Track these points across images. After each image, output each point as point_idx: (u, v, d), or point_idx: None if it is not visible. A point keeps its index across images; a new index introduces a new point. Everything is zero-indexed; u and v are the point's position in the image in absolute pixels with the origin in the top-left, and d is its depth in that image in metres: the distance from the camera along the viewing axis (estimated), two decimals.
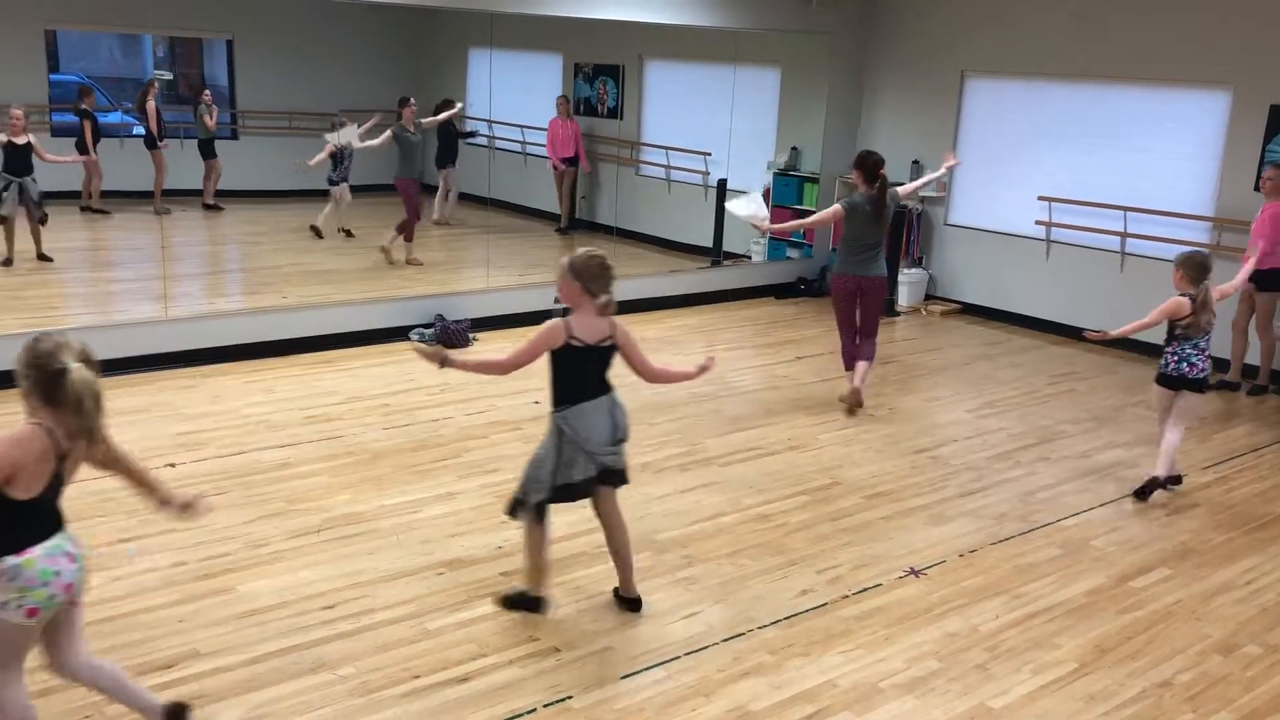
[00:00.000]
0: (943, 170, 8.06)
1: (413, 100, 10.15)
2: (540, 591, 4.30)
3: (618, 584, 4.44)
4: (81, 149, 9.78)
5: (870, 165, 7.00)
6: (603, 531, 4.36)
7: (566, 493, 4.15)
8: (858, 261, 7.04)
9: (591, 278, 4.05)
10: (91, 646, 3.93)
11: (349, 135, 10.32)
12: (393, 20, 11.70)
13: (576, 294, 4.08)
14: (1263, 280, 7.49)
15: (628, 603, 4.40)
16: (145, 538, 4.83)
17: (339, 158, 10.60)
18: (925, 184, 8.29)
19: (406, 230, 10.15)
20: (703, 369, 4.31)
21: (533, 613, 4.28)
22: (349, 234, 11.03)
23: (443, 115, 10.56)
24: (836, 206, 7.12)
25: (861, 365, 7.14)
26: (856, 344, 7.19)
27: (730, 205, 7.68)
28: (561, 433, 4.09)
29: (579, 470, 4.09)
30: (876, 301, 7.22)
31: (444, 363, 4.04)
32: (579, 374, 4.09)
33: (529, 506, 4.16)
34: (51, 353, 3.04)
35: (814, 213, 8.96)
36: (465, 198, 11.97)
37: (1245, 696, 4.03)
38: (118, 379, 7.04)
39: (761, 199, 7.78)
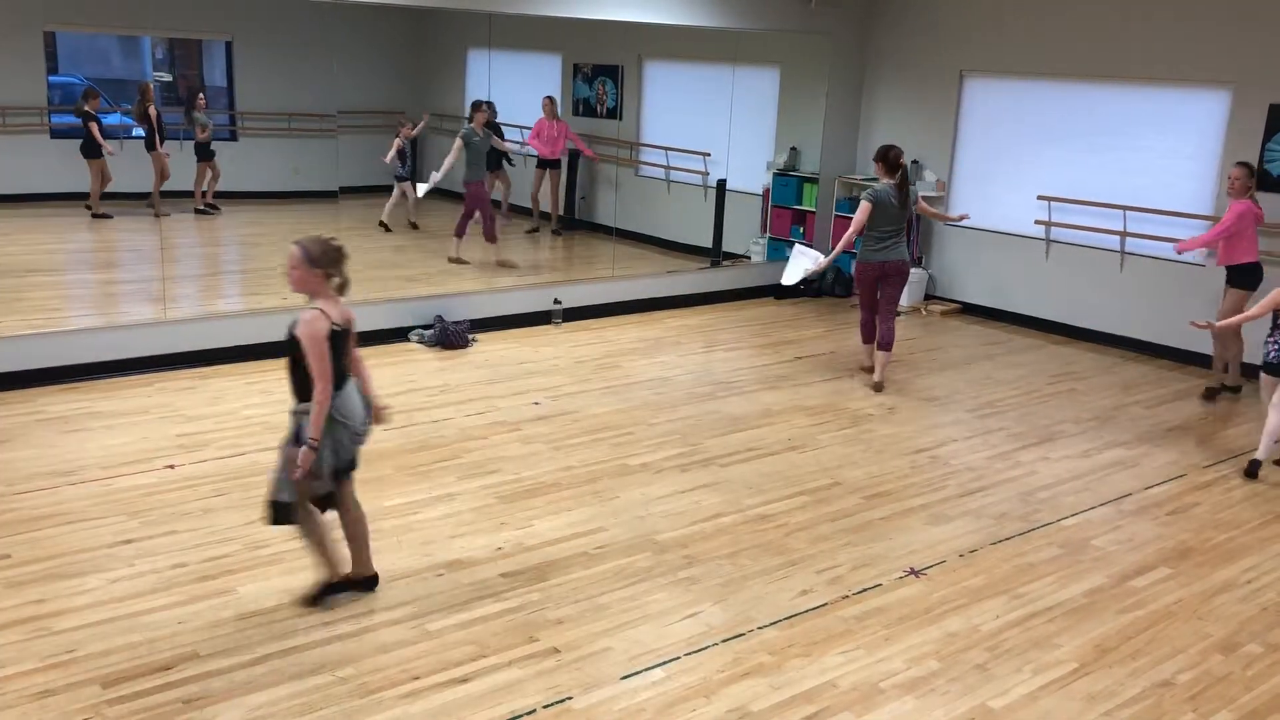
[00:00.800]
0: (954, 217, 8.50)
1: (485, 105, 10.24)
2: (342, 576, 4.38)
3: (351, 570, 4.44)
4: (89, 152, 9.76)
5: (892, 158, 7.56)
6: (342, 521, 4.41)
7: (339, 476, 4.26)
8: (883, 248, 7.56)
9: (331, 262, 4.17)
10: (91, 648, 3.95)
11: (434, 177, 10.32)
12: (392, 21, 11.70)
13: (317, 280, 4.16)
14: (1232, 277, 7.62)
15: (365, 581, 4.46)
16: (145, 539, 4.83)
17: (405, 154, 10.86)
18: (938, 216, 8.55)
19: (488, 232, 10.24)
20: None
21: (366, 591, 4.39)
22: (415, 227, 11.28)
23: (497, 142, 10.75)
24: (865, 202, 7.51)
25: (881, 356, 7.70)
26: (874, 323, 7.81)
27: (788, 278, 8.18)
28: (333, 420, 4.12)
29: (346, 451, 4.24)
30: (899, 284, 7.70)
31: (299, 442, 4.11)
32: (337, 358, 4.14)
33: (292, 508, 4.17)
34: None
35: (812, 213, 9.21)
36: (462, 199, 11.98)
37: (1246, 696, 4.03)
38: (117, 380, 7.05)
39: (807, 251, 8.25)
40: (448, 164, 10.14)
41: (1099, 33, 9.06)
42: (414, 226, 11.35)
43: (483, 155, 10.20)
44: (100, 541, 4.80)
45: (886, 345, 7.65)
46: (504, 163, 11.54)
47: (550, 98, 11.48)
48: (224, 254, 11.10)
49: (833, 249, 8.09)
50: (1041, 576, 4.91)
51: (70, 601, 4.28)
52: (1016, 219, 9.78)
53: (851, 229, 7.57)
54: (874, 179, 7.75)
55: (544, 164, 11.55)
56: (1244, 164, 7.61)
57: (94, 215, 10.27)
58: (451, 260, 10.23)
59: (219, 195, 11.14)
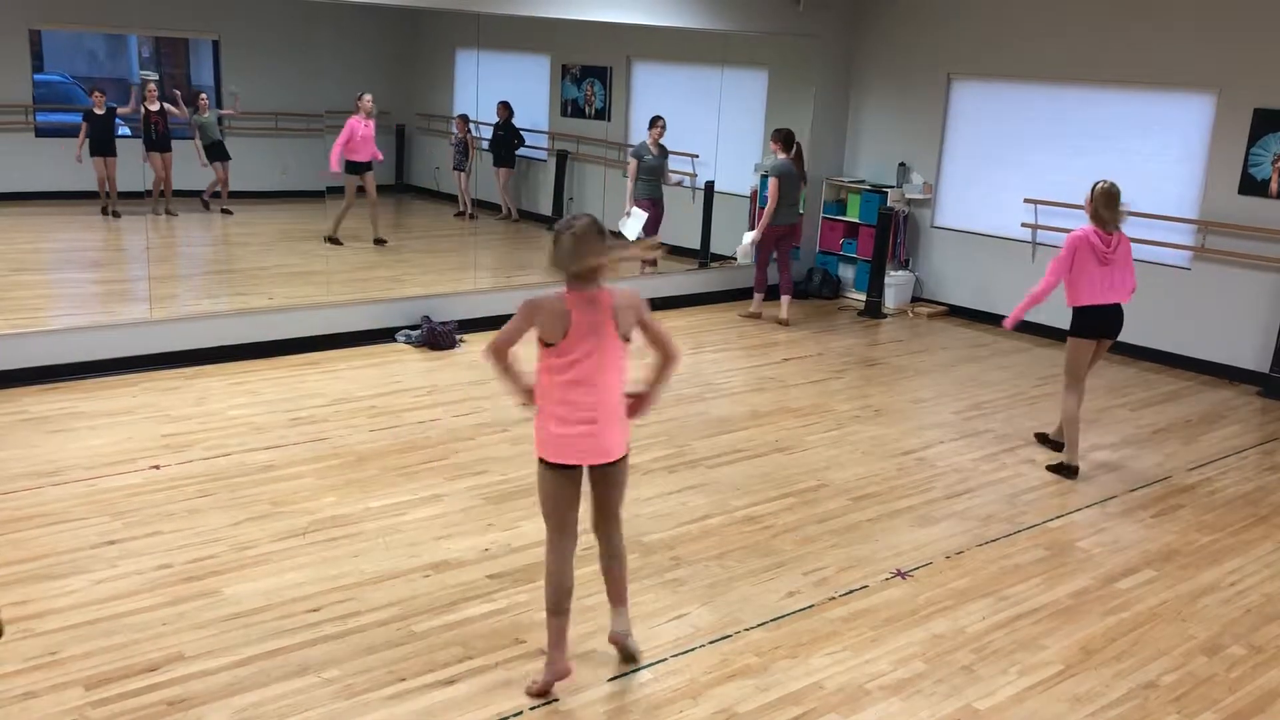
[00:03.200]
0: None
1: (661, 120, 10.07)
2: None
3: None
4: (97, 149, 9.77)
5: (784, 135, 9.27)
6: None
7: None
8: (789, 212, 9.34)
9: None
10: (75, 650, 3.93)
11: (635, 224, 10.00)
12: (380, 21, 11.68)
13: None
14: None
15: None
16: (130, 540, 4.81)
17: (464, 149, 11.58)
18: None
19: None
20: None
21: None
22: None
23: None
24: (772, 179, 9.14)
25: (785, 299, 9.55)
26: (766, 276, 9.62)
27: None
28: None
29: None
30: (795, 241, 9.77)
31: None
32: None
33: None
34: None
35: (799, 214, 9.91)
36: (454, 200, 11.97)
37: (1230, 697, 4.05)
38: (102, 380, 7.01)
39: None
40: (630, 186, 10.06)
41: (1085, 37, 9.10)
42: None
43: (655, 172, 10.10)
44: (84, 542, 4.77)
45: (789, 289, 9.53)
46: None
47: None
48: (211, 253, 11.07)
49: (758, 225, 9.39)
50: (1027, 578, 4.93)
51: (54, 603, 4.25)
52: (1003, 221, 9.81)
53: (770, 203, 9.09)
54: (860, 180, 7.94)
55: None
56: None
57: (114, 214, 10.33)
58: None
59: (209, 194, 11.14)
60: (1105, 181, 6.20)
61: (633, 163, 10.07)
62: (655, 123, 10.11)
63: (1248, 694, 4.08)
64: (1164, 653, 4.34)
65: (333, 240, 10.29)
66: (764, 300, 9.67)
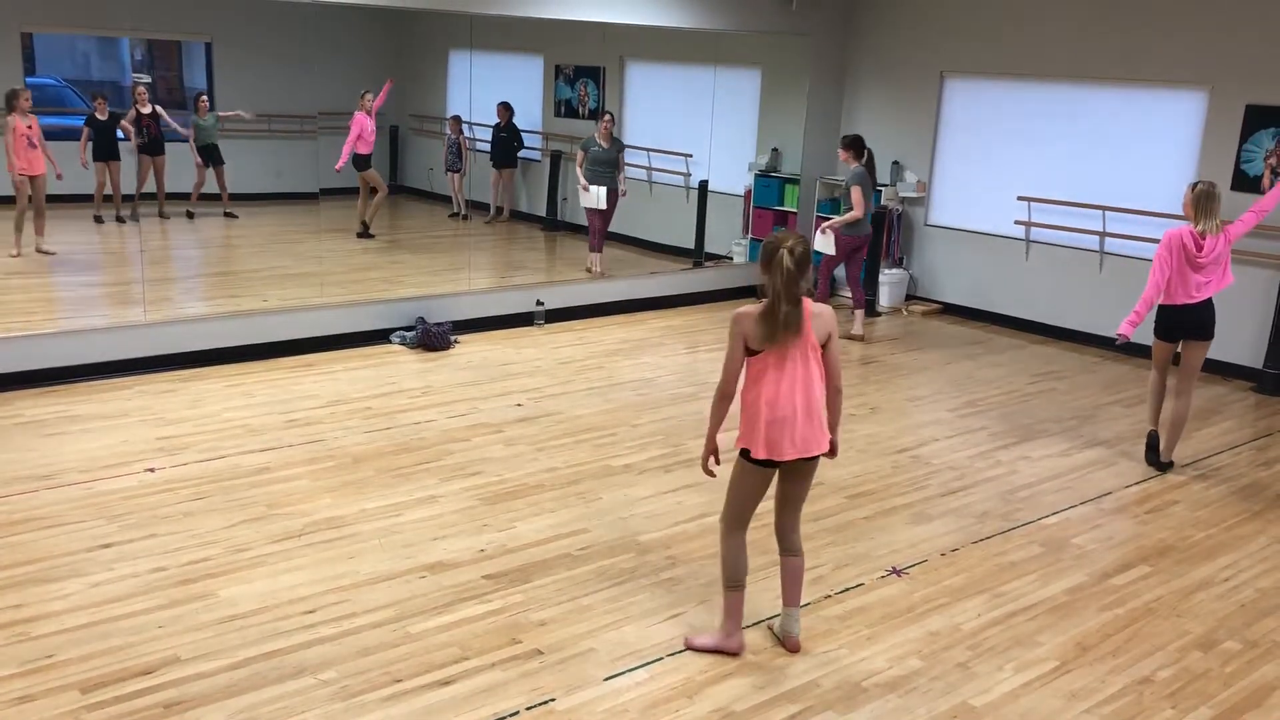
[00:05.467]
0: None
1: (609, 114, 10.43)
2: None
3: None
4: (100, 154, 9.80)
5: (856, 142, 8.97)
6: None
7: None
8: (862, 223, 9.02)
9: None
10: (71, 653, 3.92)
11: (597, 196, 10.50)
12: (373, 22, 11.66)
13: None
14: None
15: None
16: (125, 543, 4.80)
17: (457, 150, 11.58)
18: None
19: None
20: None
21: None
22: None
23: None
24: (855, 187, 8.88)
25: (858, 314, 9.29)
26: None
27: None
28: None
29: None
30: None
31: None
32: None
33: None
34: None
35: (793, 214, 10.11)
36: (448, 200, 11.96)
37: (1225, 692, 4.06)
38: (96, 383, 7.00)
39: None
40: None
41: (1078, 34, 9.12)
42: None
43: (607, 164, 10.39)
44: (79, 545, 4.76)
45: (862, 303, 9.25)
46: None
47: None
48: (205, 256, 11.05)
49: (831, 226, 9.09)
50: (1023, 575, 4.94)
51: (49, 606, 4.24)
52: (997, 219, 9.82)
53: (856, 212, 8.84)
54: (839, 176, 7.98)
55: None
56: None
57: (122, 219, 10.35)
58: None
59: (201, 197, 11.11)
60: (1204, 182, 6.13)
61: (580, 154, 10.37)
62: (602, 116, 10.38)
63: (1242, 688, 4.09)
64: (1159, 648, 4.35)
65: (364, 234, 11.04)
66: (864, 316, 9.33)
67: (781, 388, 3.89)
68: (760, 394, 3.92)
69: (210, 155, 10.79)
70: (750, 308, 3.92)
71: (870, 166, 9.03)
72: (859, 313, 9.28)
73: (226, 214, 11.10)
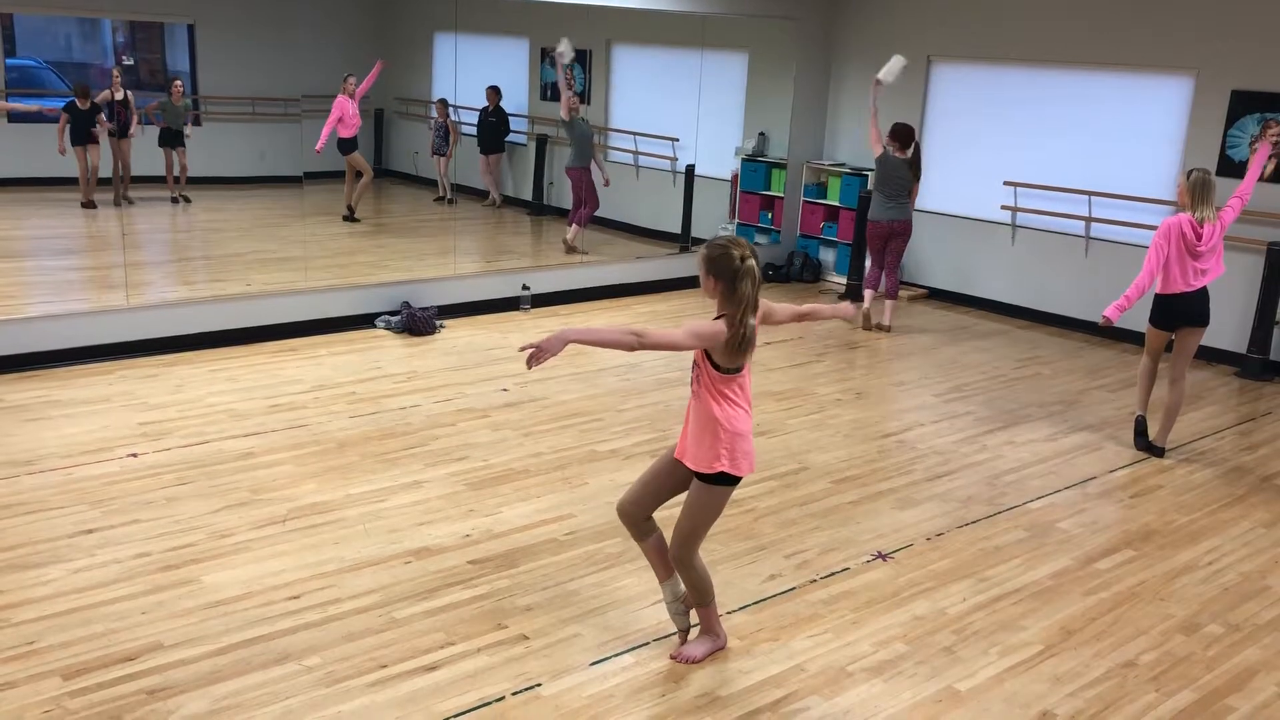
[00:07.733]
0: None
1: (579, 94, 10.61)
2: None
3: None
4: (81, 139, 9.68)
5: (905, 132, 8.79)
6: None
7: None
8: (898, 208, 8.87)
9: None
10: (52, 639, 3.90)
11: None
12: (357, 4, 11.58)
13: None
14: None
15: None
16: (108, 529, 4.77)
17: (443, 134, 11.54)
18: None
19: (577, 215, 10.54)
20: None
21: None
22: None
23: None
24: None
25: (890, 303, 9.01)
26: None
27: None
28: None
29: None
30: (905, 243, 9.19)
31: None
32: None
33: None
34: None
35: (780, 198, 10.02)
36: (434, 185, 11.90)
37: (1207, 675, 4.08)
38: (77, 368, 6.95)
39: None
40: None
41: (1064, 18, 9.11)
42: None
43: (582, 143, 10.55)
44: (61, 531, 4.73)
45: (894, 293, 9.03)
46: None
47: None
48: (187, 240, 10.96)
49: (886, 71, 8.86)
50: (1008, 559, 4.95)
51: (30, 593, 4.22)
52: (983, 204, 9.82)
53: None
54: (840, 164, 7.92)
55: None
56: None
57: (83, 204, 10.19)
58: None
59: (156, 180, 10.90)
60: (1199, 170, 6.13)
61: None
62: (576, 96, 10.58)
63: (1225, 671, 4.11)
64: (1143, 632, 4.37)
65: (350, 218, 11.01)
66: (874, 296, 9.02)
67: (746, 399, 3.79)
68: (738, 412, 3.73)
69: (172, 139, 10.60)
70: (720, 329, 3.73)
71: (916, 157, 8.81)
72: (890, 303, 9.00)
73: (175, 198, 10.77)
